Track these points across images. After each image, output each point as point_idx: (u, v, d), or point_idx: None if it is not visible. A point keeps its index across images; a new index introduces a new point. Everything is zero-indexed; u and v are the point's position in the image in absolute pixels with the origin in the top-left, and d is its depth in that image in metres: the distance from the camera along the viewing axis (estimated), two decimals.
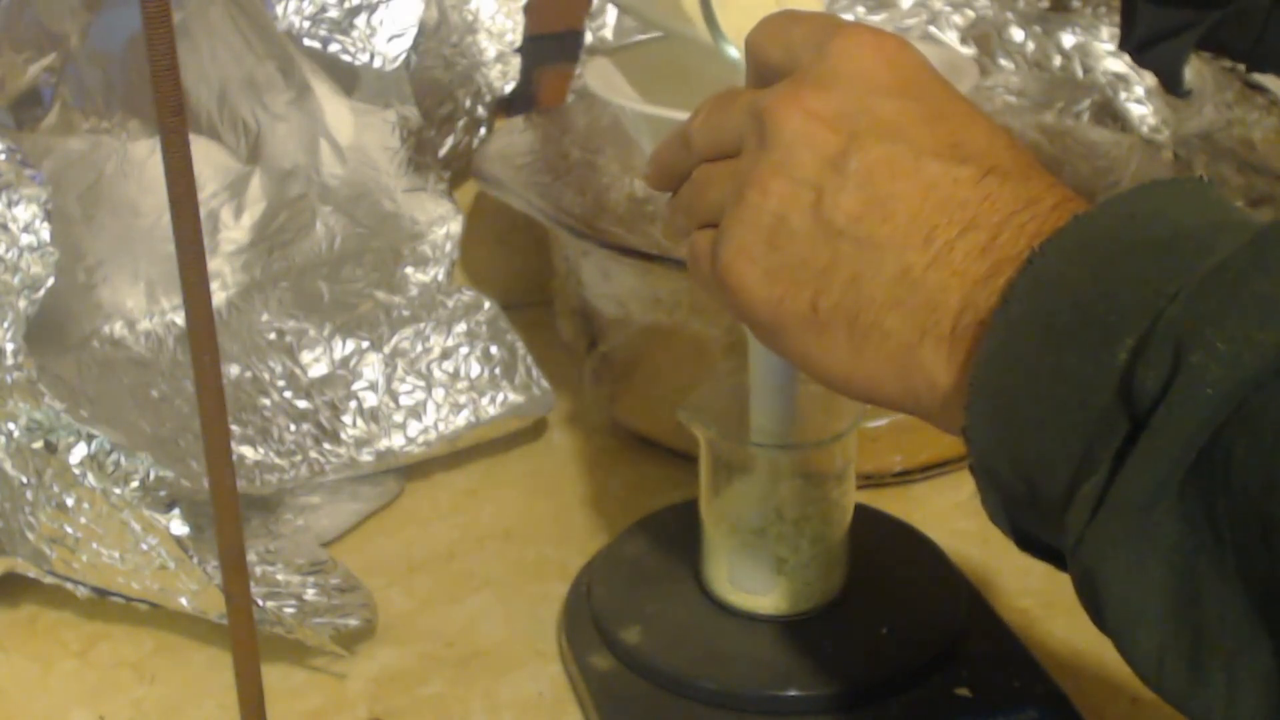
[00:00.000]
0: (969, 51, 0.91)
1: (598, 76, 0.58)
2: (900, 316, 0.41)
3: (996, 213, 0.40)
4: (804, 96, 0.43)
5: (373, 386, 0.76)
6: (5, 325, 0.62)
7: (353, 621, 0.64)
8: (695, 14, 0.53)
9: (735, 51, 0.53)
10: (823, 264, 0.42)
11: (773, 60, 0.46)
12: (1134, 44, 0.60)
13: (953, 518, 0.72)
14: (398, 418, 0.76)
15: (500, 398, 0.78)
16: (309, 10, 0.73)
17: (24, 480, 0.63)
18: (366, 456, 0.75)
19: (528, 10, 0.86)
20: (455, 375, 0.78)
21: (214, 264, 0.78)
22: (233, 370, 0.75)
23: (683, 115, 0.48)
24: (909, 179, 0.41)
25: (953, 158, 0.41)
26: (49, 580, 0.65)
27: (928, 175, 0.41)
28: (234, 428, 0.72)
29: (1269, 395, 0.32)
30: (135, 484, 0.62)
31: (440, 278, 0.81)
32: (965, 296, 0.39)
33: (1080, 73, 0.90)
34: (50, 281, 0.62)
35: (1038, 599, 0.65)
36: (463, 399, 0.77)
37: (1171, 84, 0.62)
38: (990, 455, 0.38)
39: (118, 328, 0.76)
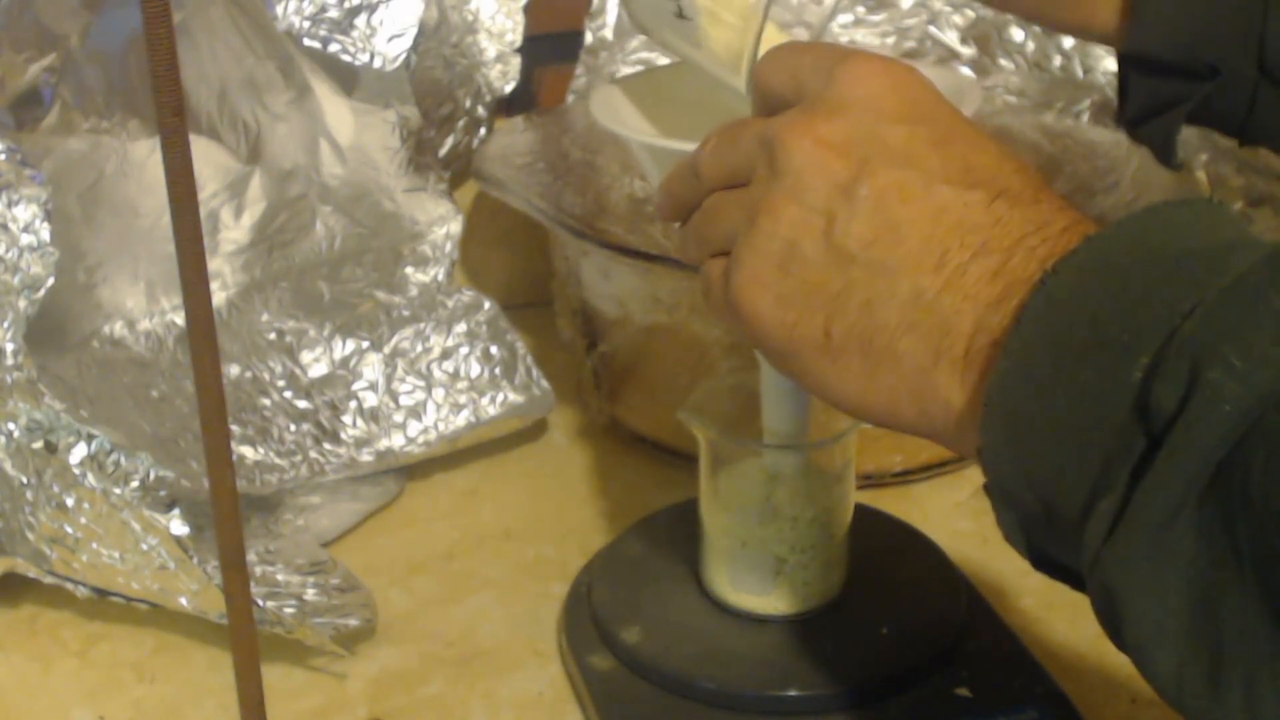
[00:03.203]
0: (969, 51, 0.91)
1: (603, 107, 0.58)
2: (914, 340, 0.41)
3: (1008, 236, 0.40)
4: (814, 124, 0.43)
5: (373, 386, 0.76)
6: (5, 325, 0.62)
7: (353, 621, 0.64)
8: (731, 60, 0.53)
9: None
10: (835, 289, 0.42)
11: (780, 89, 0.46)
12: (1127, 119, 0.61)
13: (953, 518, 0.72)
14: (398, 418, 0.76)
15: (500, 398, 0.78)
16: (309, 10, 0.73)
17: (24, 480, 0.63)
18: (366, 456, 0.75)
19: (528, 10, 0.86)
20: (455, 375, 0.78)
21: (214, 264, 0.78)
22: (233, 370, 0.75)
23: (689, 146, 0.48)
24: (920, 204, 0.41)
25: (963, 182, 0.41)
26: (49, 580, 0.65)
27: (938, 200, 0.41)
28: (234, 428, 0.72)
29: None
30: (135, 484, 0.62)
31: (440, 278, 0.81)
32: (978, 319, 0.40)
33: (1080, 73, 0.90)
34: (50, 281, 0.62)
35: (1038, 599, 0.65)
36: (463, 399, 0.77)
37: (1164, 158, 0.62)
38: (1006, 475, 0.38)
39: (118, 328, 0.76)
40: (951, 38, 0.91)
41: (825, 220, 0.42)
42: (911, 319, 0.41)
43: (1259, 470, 0.32)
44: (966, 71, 0.87)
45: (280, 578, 0.66)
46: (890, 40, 0.91)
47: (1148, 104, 0.59)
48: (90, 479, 0.62)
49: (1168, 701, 0.35)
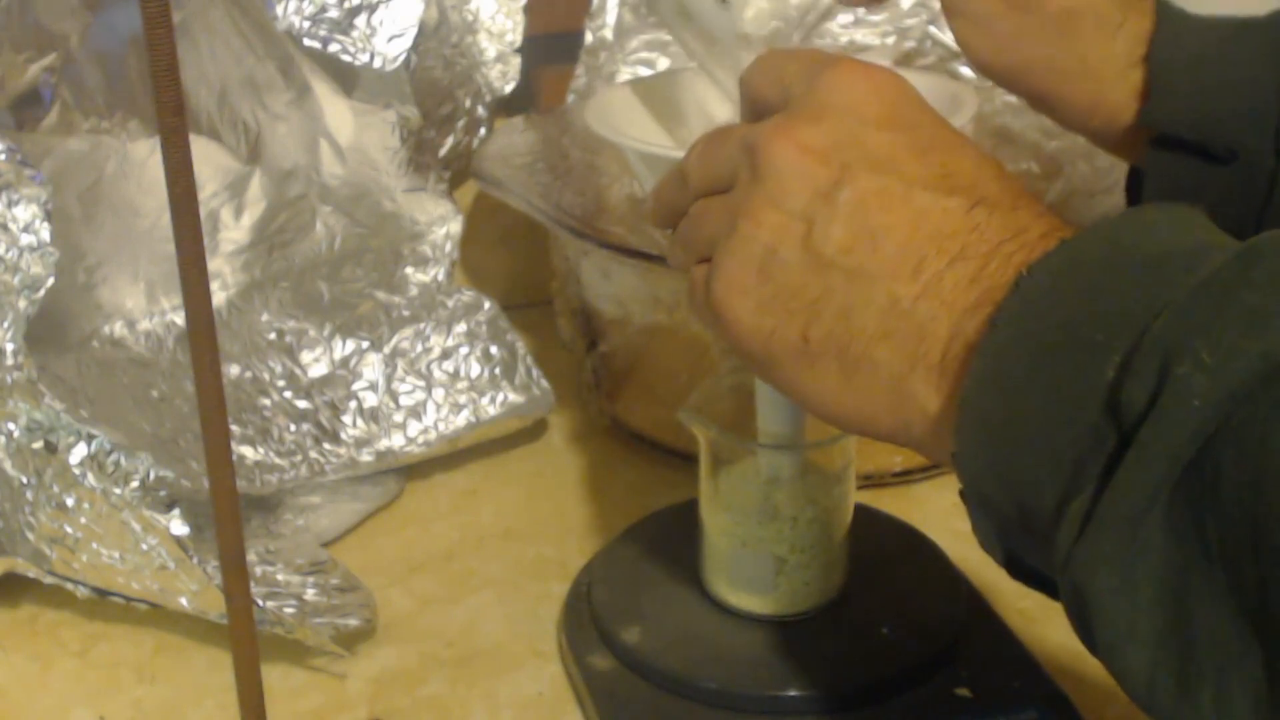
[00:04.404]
0: None
1: (598, 114, 0.58)
2: (890, 347, 0.41)
3: (985, 243, 0.40)
4: (795, 129, 0.43)
5: (373, 386, 0.76)
6: (5, 325, 0.62)
7: (353, 621, 0.64)
8: None
9: None
10: (813, 295, 0.42)
11: (766, 96, 0.46)
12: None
13: (953, 518, 0.71)
14: (398, 418, 0.76)
15: (500, 398, 0.78)
16: (309, 10, 0.73)
17: (24, 480, 0.63)
18: (366, 456, 0.75)
19: (528, 10, 0.86)
20: (455, 375, 0.78)
21: (214, 264, 0.78)
22: (233, 370, 0.75)
23: (680, 153, 0.49)
24: (899, 210, 0.41)
25: (942, 189, 0.41)
26: (49, 580, 0.65)
27: (917, 206, 0.41)
28: (234, 428, 0.72)
29: (1256, 405, 0.32)
30: (135, 484, 0.62)
31: (440, 278, 0.81)
32: (954, 325, 0.40)
33: None
34: (50, 281, 0.62)
35: (1038, 599, 0.65)
36: (463, 399, 0.77)
37: None
38: (980, 478, 0.38)
39: (118, 328, 0.76)
40: (952, 38, 0.91)
41: (805, 225, 0.42)
42: (888, 326, 0.41)
43: (1229, 468, 0.32)
44: (966, 72, 0.87)
45: (280, 578, 0.66)
46: (890, 40, 0.91)
47: (1164, 192, 0.58)
48: (90, 479, 0.62)
49: (1138, 703, 0.35)
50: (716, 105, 0.58)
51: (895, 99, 0.44)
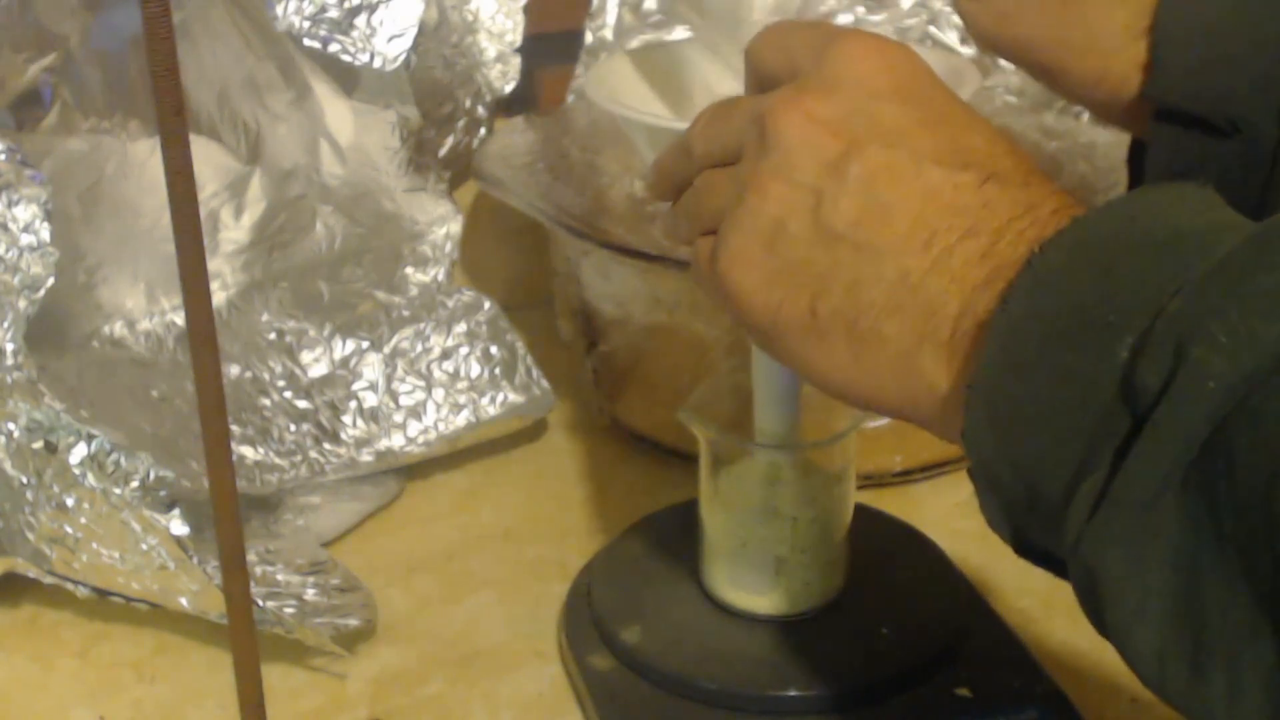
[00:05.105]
0: (969, 52, 0.91)
1: (597, 85, 0.58)
2: (899, 322, 0.41)
3: (996, 219, 0.40)
4: (805, 101, 0.43)
5: (373, 386, 0.76)
6: (5, 325, 0.62)
7: (353, 621, 0.64)
8: None
9: None
10: (821, 269, 0.42)
11: (773, 68, 0.46)
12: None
13: (953, 518, 0.72)
14: (398, 418, 0.76)
15: (500, 398, 0.78)
16: (309, 10, 0.73)
17: (24, 480, 0.63)
18: (366, 456, 0.75)
19: (528, 10, 0.86)
20: (455, 375, 0.78)
21: (214, 264, 0.78)
22: (233, 370, 0.75)
23: (683, 124, 0.48)
24: (909, 185, 0.41)
25: (953, 164, 0.41)
26: (49, 580, 0.65)
27: (928, 181, 0.41)
28: (234, 428, 0.72)
29: (1272, 389, 0.31)
30: (135, 484, 0.62)
31: (440, 278, 0.81)
32: (964, 302, 0.39)
33: None
34: (50, 281, 0.62)
35: (1038, 599, 0.65)
36: (463, 399, 0.77)
37: None
38: (989, 459, 0.38)
39: (118, 328, 0.76)
40: (952, 38, 0.91)
41: (813, 198, 0.42)
42: (897, 300, 0.41)
43: (1243, 451, 0.32)
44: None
45: (280, 578, 0.66)
46: None
47: (1166, 165, 0.58)
48: (90, 479, 0.62)
49: (1149, 685, 0.35)
50: (720, 78, 0.58)
51: (907, 72, 0.43)
